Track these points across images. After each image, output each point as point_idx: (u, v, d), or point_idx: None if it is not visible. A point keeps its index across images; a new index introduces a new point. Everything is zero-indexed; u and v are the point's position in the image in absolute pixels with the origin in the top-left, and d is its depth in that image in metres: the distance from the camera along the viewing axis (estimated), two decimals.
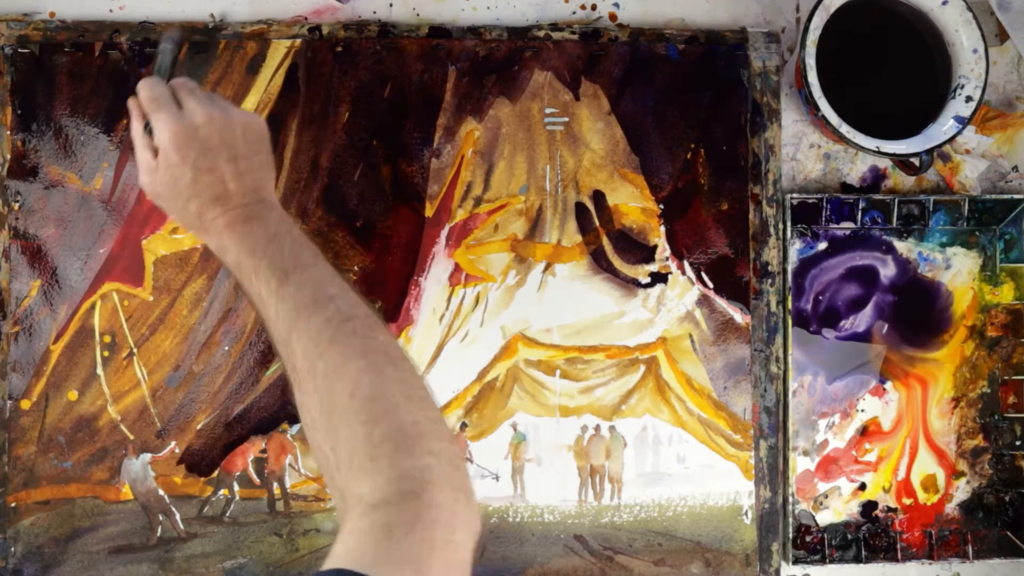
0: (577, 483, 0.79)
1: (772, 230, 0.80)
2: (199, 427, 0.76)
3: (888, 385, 0.81)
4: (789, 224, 0.79)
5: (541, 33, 0.79)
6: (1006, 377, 0.81)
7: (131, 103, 0.61)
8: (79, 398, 0.75)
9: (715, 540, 0.79)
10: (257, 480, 0.76)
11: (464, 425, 0.78)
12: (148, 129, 0.59)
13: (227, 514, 0.76)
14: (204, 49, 0.76)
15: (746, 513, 0.79)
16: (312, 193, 0.77)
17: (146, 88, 0.59)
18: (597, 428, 0.79)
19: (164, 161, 0.57)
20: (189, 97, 0.58)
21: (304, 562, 0.76)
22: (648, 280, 0.79)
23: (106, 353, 0.76)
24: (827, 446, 0.81)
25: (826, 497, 0.80)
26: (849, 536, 0.80)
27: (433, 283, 0.78)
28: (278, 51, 0.77)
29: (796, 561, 0.79)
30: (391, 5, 0.80)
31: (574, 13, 0.81)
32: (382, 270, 0.78)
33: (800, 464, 0.80)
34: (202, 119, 0.57)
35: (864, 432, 0.81)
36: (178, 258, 0.76)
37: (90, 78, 0.76)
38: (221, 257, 0.57)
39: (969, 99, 0.74)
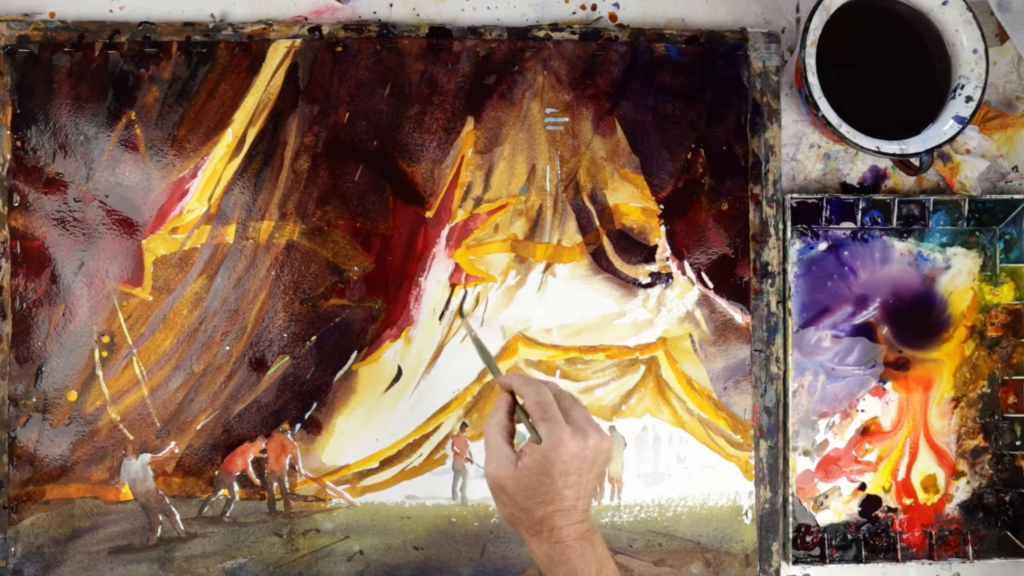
0: None
1: (772, 230, 0.80)
2: (199, 427, 0.76)
3: (888, 385, 0.81)
4: (789, 224, 0.79)
5: (541, 33, 0.79)
6: (1006, 377, 0.81)
7: (502, 398, 0.63)
8: (78, 398, 0.75)
9: (715, 540, 0.78)
10: (257, 480, 0.76)
11: (464, 425, 0.78)
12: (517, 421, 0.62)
13: (227, 514, 0.76)
14: (204, 49, 0.76)
15: (746, 513, 0.79)
16: (312, 193, 0.77)
17: (533, 392, 0.61)
18: None
19: (537, 467, 0.58)
20: (576, 411, 0.61)
21: (304, 562, 0.76)
22: (648, 280, 0.79)
23: (105, 353, 0.76)
24: (827, 446, 0.81)
25: (826, 497, 0.80)
26: (849, 536, 0.80)
27: (433, 283, 0.78)
28: (278, 51, 0.77)
29: (796, 561, 0.79)
30: (391, 5, 0.80)
31: (574, 13, 0.81)
32: (382, 270, 0.78)
33: (800, 464, 0.80)
34: (594, 440, 0.59)
35: (864, 432, 0.81)
36: (178, 258, 0.76)
37: (90, 78, 0.76)
38: (542, 563, 0.60)
39: (969, 99, 0.74)
